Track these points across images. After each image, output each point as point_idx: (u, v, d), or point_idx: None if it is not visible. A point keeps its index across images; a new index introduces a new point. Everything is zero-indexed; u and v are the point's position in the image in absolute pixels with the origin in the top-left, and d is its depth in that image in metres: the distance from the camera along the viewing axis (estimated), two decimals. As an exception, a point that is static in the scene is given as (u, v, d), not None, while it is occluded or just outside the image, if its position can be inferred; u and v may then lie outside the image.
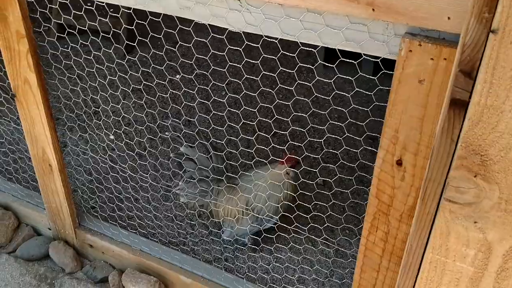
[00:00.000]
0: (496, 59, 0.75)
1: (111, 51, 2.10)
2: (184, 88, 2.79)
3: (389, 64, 1.24)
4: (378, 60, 1.14)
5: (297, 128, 2.51)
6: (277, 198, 2.05)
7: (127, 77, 2.28)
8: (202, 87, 2.92)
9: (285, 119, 1.78)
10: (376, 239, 1.32)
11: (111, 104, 2.59)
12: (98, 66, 2.22)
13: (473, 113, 0.81)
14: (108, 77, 2.17)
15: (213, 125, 2.26)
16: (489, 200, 0.86)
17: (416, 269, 1.07)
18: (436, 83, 1.03)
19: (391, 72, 1.11)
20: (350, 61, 1.29)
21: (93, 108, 2.84)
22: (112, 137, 2.75)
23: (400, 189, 1.20)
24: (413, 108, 1.08)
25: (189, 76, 2.98)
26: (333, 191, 2.35)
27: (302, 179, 1.86)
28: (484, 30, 0.75)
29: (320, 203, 2.23)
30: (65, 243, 2.20)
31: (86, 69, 2.19)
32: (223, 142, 2.42)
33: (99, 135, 2.70)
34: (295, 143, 2.46)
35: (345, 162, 2.37)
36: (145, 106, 2.80)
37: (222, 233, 2.21)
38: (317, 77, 1.59)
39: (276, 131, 2.16)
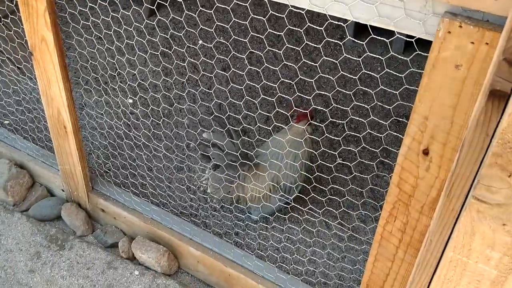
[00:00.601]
0: (549, 48, 0.66)
1: (129, 13, 2.04)
2: (202, 58, 2.72)
3: (423, 44, 1.15)
4: (413, 40, 1.06)
5: (319, 108, 2.42)
6: (299, 158, 1.97)
7: (144, 41, 2.22)
8: (221, 57, 2.84)
9: (307, 96, 1.71)
10: (394, 229, 1.26)
11: (127, 69, 2.53)
12: (116, 28, 2.16)
13: (515, 107, 0.73)
14: (126, 40, 2.11)
15: (230, 99, 2.19)
16: (521, 203, 0.79)
17: (434, 266, 1.02)
18: (474, 70, 0.94)
19: (424, 54, 1.03)
20: (382, 38, 1.20)
21: (109, 72, 2.79)
22: (130, 101, 2.71)
23: (424, 179, 1.13)
24: (445, 95, 1.00)
25: (209, 45, 2.89)
26: (352, 175, 2.28)
27: (324, 135, 1.76)
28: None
29: (337, 186, 2.17)
30: (78, 206, 2.19)
31: (104, 31, 2.13)
32: (239, 117, 2.35)
33: (116, 100, 2.66)
34: (316, 123, 2.38)
35: (367, 146, 2.29)
36: (161, 74, 2.74)
37: (250, 214, 2.16)
38: (345, 54, 1.50)
39: (296, 108, 2.08)
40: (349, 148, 2.43)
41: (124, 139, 2.38)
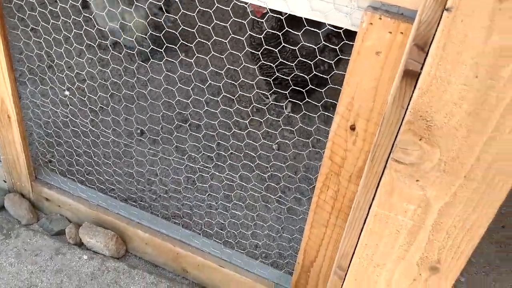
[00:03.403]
0: (447, 35, 0.84)
1: (67, 6, 2.08)
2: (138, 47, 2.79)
3: (351, 35, 1.33)
4: (341, 30, 1.23)
5: (245, 94, 2.58)
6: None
7: (82, 32, 2.26)
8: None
9: (250, 81, 1.86)
10: (327, 197, 1.43)
11: (65, 59, 2.56)
12: (53, 21, 2.19)
13: (423, 83, 0.91)
14: (63, 32, 2.15)
15: None
16: (430, 162, 0.98)
17: (362, 223, 1.19)
18: (392, 56, 1.12)
19: (352, 43, 1.20)
20: (315, 30, 1.37)
21: (47, 61, 2.79)
22: (67, 92, 2.72)
23: (351, 152, 1.31)
24: (368, 78, 1.18)
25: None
26: (290, 152, 2.46)
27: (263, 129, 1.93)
28: (439, 8, 0.84)
29: (275, 173, 2.35)
30: (21, 196, 2.20)
31: (41, 23, 2.16)
32: None
33: (54, 90, 2.67)
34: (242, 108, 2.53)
35: (303, 126, 2.47)
36: (97, 64, 2.78)
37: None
38: (283, 44, 1.66)
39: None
40: (286, 127, 2.61)
41: (71, 126, 2.40)
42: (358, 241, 1.20)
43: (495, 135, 0.89)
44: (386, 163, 1.06)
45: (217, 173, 2.40)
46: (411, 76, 0.96)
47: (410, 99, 0.97)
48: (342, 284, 1.34)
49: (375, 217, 1.12)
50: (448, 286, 1.14)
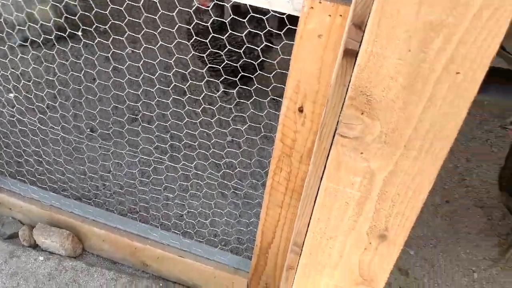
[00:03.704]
0: (381, 12, 0.90)
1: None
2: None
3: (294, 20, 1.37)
4: (284, 16, 1.27)
5: (196, 83, 2.61)
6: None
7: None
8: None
9: (184, 71, 1.88)
10: (281, 179, 1.48)
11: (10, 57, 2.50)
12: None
13: (361, 60, 0.97)
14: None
15: None
16: (371, 135, 1.04)
17: (313, 199, 1.25)
18: (332, 38, 1.18)
19: (294, 28, 1.25)
20: (260, 16, 1.41)
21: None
22: (12, 95, 2.65)
23: (301, 133, 1.36)
24: (312, 61, 1.23)
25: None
26: (241, 149, 2.50)
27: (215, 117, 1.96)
28: (370, -11, 0.90)
29: (230, 159, 2.38)
30: (-32, 201, 2.13)
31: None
32: None
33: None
34: (193, 110, 2.54)
35: (254, 112, 2.51)
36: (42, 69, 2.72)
37: None
38: (230, 30, 1.68)
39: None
40: (237, 127, 2.65)
41: (19, 126, 2.34)
42: (311, 217, 1.25)
43: (429, 105, 0.96)
44: (333, 139, 1.12)
45: (172, 165, 2.41)
46: (350, 55, 1.01)
47: (351, 77, 1.03)
48: (298, 260, 1.39)
49: (325, 192, 1.18)
50: (397, 252, 1.22)
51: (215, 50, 2.23)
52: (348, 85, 1.04)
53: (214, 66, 2.25)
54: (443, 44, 0.88)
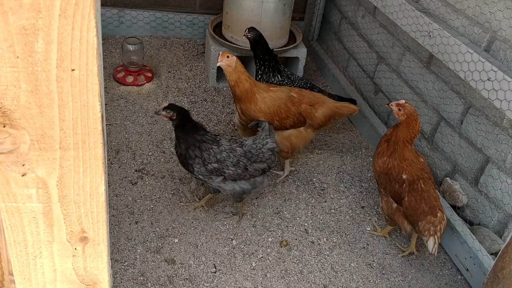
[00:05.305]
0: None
1: None
2: None
3: None
4: None
5: None
6: None
7: None
8: None
9: None
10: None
11: None
12: None
13: None
14: None
15: None
16: (24, 144, 1.04)
17: (1, 224, 1.20)
18: None
19: None
20: None
21: None
22: None
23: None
24: None
25: None
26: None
27: None
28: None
29: None
30: None
31: None
32: None
33: None
34: None
35: None
36: None
37: None
38: None
39: None
40: None
41: None
42: (5, 242, 1.21)
43: (63, 104, 1.00)
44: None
45: None
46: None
47: None
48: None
49: (7, 213, 1.14)
50: (104, 249, 1.25)
51: None
52: None
53: None
54: (46, 45, 0.92)
